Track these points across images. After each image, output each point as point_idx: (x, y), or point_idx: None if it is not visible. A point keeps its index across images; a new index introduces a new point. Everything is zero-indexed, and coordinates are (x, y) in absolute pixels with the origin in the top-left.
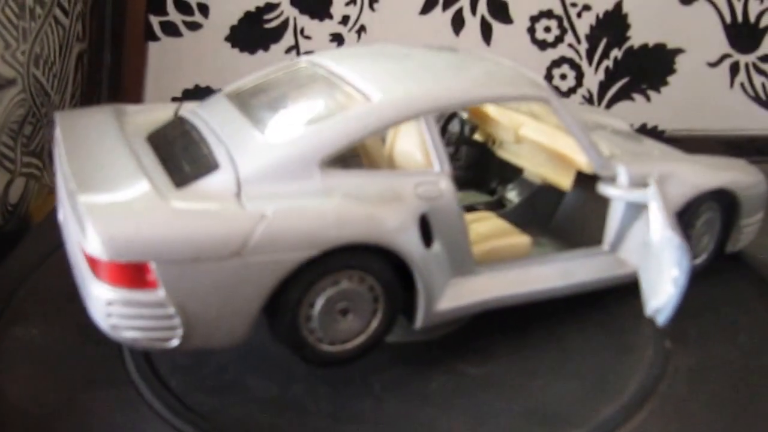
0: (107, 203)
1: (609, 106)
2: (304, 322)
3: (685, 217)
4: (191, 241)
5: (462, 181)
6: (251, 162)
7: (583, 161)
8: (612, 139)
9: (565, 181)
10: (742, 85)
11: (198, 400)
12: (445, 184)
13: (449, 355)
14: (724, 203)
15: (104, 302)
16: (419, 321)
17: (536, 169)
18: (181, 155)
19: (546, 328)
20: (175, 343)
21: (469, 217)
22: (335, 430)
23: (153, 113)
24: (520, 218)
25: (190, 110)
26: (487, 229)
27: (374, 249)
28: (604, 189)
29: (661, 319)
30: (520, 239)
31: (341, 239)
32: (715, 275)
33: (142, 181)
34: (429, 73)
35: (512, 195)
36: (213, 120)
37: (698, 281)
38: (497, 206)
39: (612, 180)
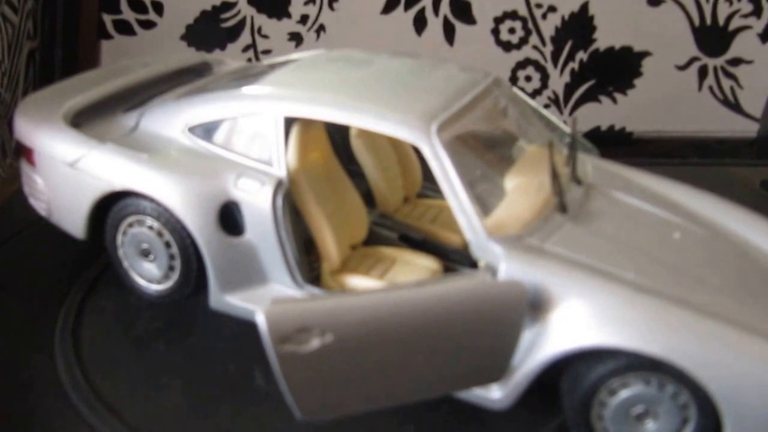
0: (36, 106)
1: (575, 108)
2: (120, 246)
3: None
4: (53, 143)
5: None
6: (151, 111)
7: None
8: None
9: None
10: (710, 88)
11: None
12: (269, 184)
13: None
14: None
15: (21, 168)
16: (210, 300)
17: None
18: (155, 96)
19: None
20: (44, 213)
21: (415, 257)
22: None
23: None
24: None
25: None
26: (396, 269)
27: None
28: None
29: None
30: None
31: (126, 186)
32: None
33: (76, 100)
34: (339, 83)
35: None
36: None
37: None
38: None
39: (492, 271)
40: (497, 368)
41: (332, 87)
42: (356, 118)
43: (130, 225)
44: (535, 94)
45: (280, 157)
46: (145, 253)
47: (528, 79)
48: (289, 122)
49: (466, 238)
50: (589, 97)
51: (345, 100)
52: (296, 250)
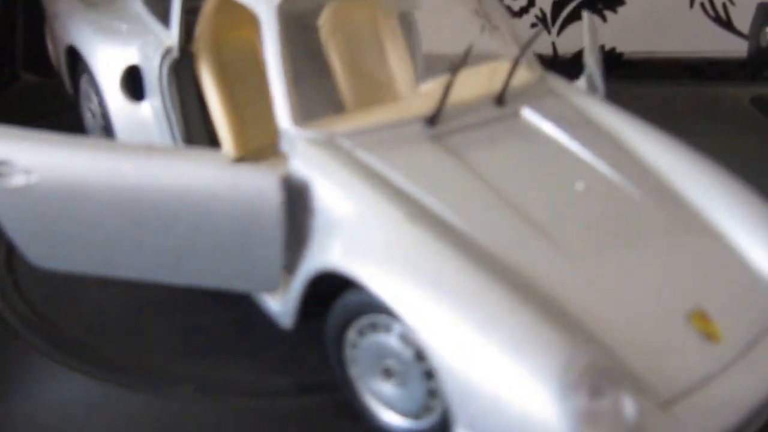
0: None
1: (563, 27)
2: (82, 103)
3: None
4: None
5: None
6: None
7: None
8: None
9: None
10: (702, 5)
11: None
12: (161, 51)
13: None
14: None
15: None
16: None
17: None
18: None
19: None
20: (54, 65)
21: None
22: None
23: None
24: None
25: None
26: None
27: None
28: None
29: None
30: None
31: (70, 42)
32: None
33: None
34: None
35: None
36: None
37: None
38: None
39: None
40: (261, 273)
41: None
42: None
43: (86, 82)
44: (521, 12)
45: (176, 25)
46: (91, 111)
47: None
48: None
49: (279, 127)
50: (578, 15)
51: None
52: (182, 125)
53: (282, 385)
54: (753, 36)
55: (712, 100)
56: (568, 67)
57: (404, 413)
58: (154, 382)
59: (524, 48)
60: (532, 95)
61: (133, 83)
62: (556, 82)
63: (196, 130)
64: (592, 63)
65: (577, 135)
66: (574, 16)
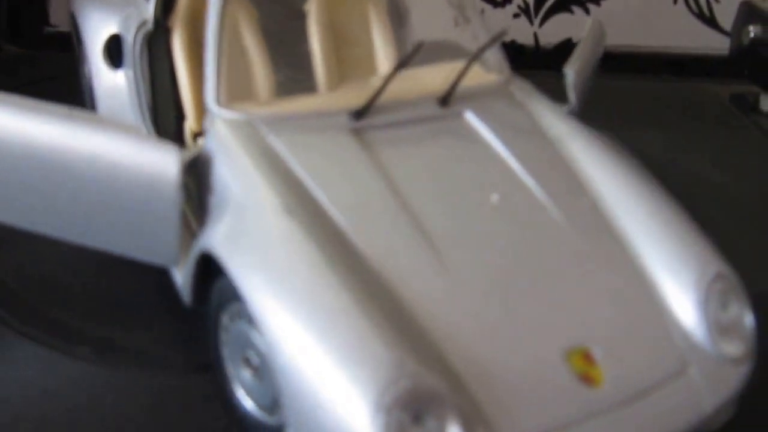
0: None
1: (545, 18)
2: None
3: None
4: None
5: None
6: None
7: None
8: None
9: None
10: (686, 1)
11: None
12: (135, 24)
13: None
14: None
15: None
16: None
17: None
18: None
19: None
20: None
21: None
22: None
23: None
24: None
25: None
26: None
27: None
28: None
29: None
30: None
31: (70, 8)
32: None
33: None
34: None
35: None
36: None
37: None
38: None
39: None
40: (160, 246)
41: None
42: None
43: (83, 46)
44: (504, 2)
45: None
46: (84, 74)
47: None
48: None
49: (206, 106)
50: (561, 7)
51: None
52: (149, 95)
53: (172, 359)
54: (735, 34)
55: (692, 97)
56: (550, 58)
57: (260, 406)
58: (56, 338)
59: (480, 50)
60: (483, 99)
61: (117, 52)
62: (521, 87)
63: (163, 101)
64: (571, 73)
65: (516, 145)
66: (557, 8)
